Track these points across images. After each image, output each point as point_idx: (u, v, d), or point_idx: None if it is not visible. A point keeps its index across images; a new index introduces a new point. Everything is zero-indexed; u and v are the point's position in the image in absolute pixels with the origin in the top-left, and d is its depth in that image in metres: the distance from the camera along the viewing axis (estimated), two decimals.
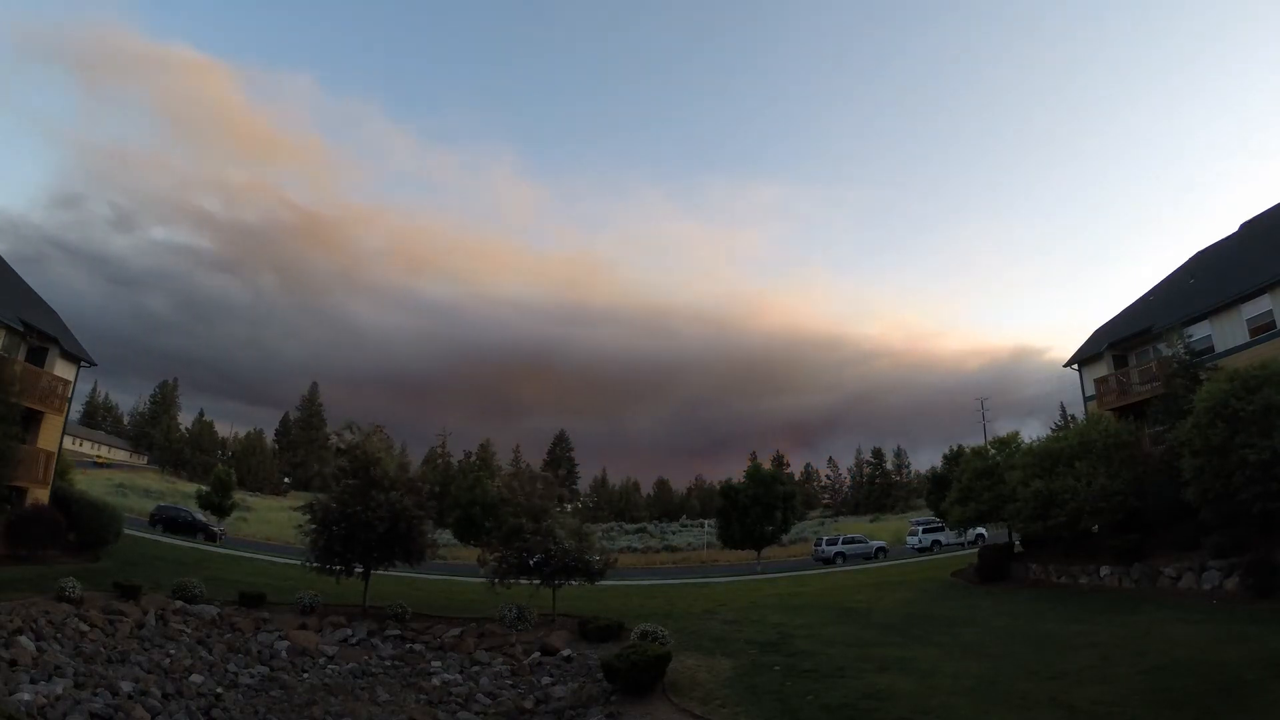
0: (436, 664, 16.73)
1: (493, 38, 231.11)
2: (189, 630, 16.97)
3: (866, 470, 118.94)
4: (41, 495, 24.33)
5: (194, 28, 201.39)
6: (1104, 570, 20.41)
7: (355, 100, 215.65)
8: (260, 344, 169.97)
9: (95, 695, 11.40)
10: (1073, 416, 70.92)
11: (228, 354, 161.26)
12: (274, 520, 59.58)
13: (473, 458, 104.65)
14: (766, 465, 56.70)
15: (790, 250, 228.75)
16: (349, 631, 18.79)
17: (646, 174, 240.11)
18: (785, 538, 47.25)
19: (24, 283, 29.21)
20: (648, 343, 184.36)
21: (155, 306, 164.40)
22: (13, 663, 11.92)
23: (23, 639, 13.14)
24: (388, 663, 16.85)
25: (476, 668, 16.31)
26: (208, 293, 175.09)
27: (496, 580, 20.40)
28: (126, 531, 27.92)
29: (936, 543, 43.05)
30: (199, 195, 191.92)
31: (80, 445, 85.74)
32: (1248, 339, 22.21)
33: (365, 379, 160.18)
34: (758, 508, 42.65)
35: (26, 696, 10.55)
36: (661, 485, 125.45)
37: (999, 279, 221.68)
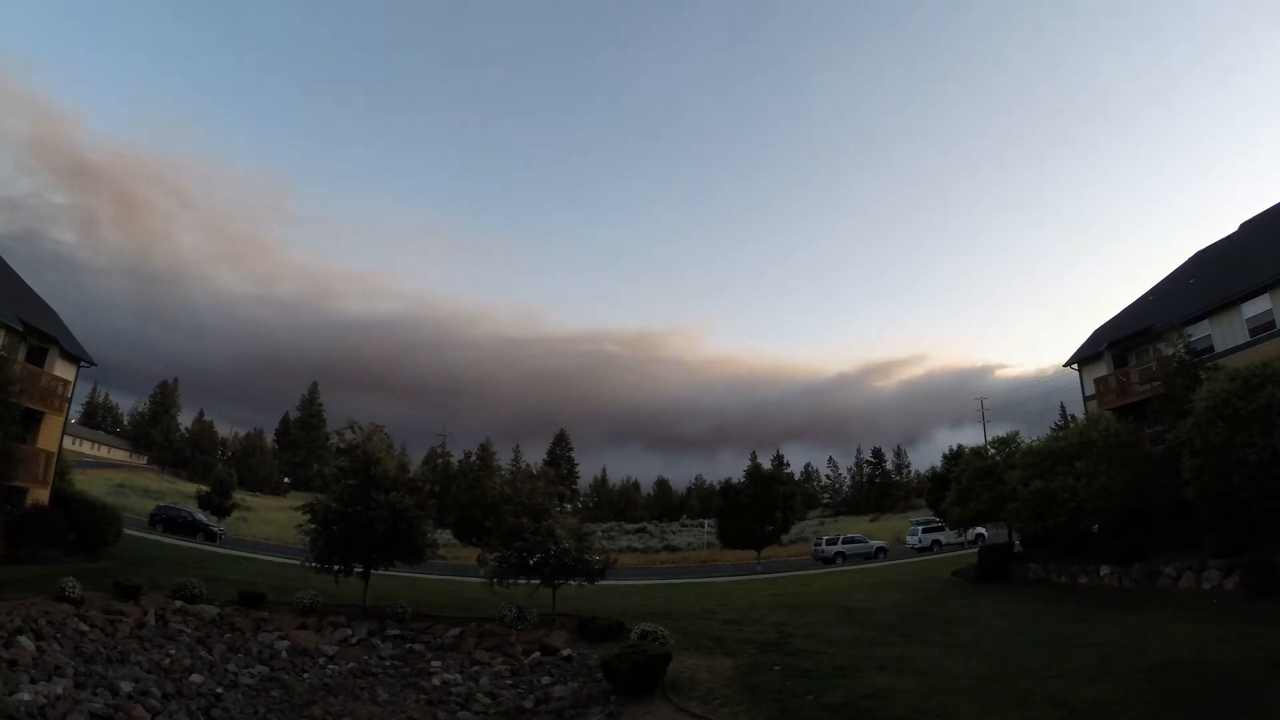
0: (436, 664, 16.72)
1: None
2: (189, 630, 16.96)
3: (866, 470, 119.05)
4: (41, 495, 24.33)
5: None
6: (1104, 570, 20.41)
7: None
8: None
9: (95, 695, 11.42)
10: (1073, 416, 70.97)
11: None
12: (274, 520, 59.53)
13: (473, 458, 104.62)
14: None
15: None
16: (349, 631, 18.77)
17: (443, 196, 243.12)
18: (785, 537, 47.21)
19: (24, 283, 29.22)
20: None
21: None
22: (13, 663, 11.93)
23: (23, 639, 13.14)
24: (388, 663, 16.84)
25: (476, 668, 16.30)
26: None
27: (496, 580, 20.38)
28: (126, 531, 27.87)
29: (936, 542, 43.06)
30: None
31: (80, 445, 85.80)
32: (1248, 338, 22.22)
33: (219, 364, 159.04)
34: (757, 507, 42.63)
35: (26, 696, 10.56)
36: (661, 485, 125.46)
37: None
